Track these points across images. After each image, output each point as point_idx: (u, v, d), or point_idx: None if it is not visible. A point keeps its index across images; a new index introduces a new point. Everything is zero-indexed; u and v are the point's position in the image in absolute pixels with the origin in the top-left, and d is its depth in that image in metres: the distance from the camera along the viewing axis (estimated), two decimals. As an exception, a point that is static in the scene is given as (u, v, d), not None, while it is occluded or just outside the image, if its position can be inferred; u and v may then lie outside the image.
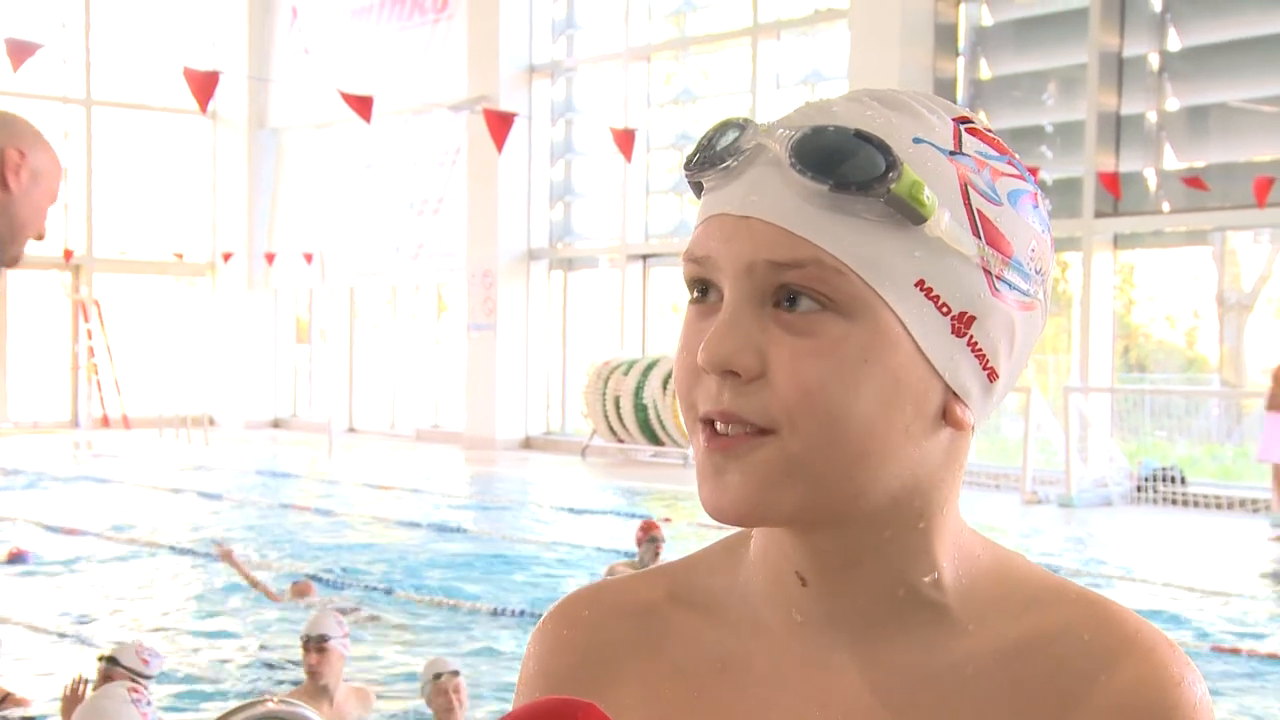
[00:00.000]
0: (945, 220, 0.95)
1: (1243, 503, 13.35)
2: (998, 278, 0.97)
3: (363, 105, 12.56)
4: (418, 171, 21.08)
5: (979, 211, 0.96)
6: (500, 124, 13.41)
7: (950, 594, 1.01)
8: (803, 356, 0.94)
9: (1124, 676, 0.97)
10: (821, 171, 0.93)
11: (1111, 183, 14.16)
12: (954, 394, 0.97)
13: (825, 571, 1.01)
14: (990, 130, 1.01)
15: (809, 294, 0.94)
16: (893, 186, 0.93)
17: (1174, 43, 14.54)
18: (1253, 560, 10.65)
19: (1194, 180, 13.71)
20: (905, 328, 0.95)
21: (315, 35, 22.69)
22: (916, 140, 0.96)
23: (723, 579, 1.08)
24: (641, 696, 1.06)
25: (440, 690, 5.14)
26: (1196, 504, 13.46)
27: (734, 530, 1.07)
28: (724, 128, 1.00)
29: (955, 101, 12.03)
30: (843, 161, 0.93)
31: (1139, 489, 13.85)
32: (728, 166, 0.98)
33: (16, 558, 9.85)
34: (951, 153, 0.97)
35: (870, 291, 0.94)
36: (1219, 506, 13.38)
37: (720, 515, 0.97)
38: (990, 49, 15.68)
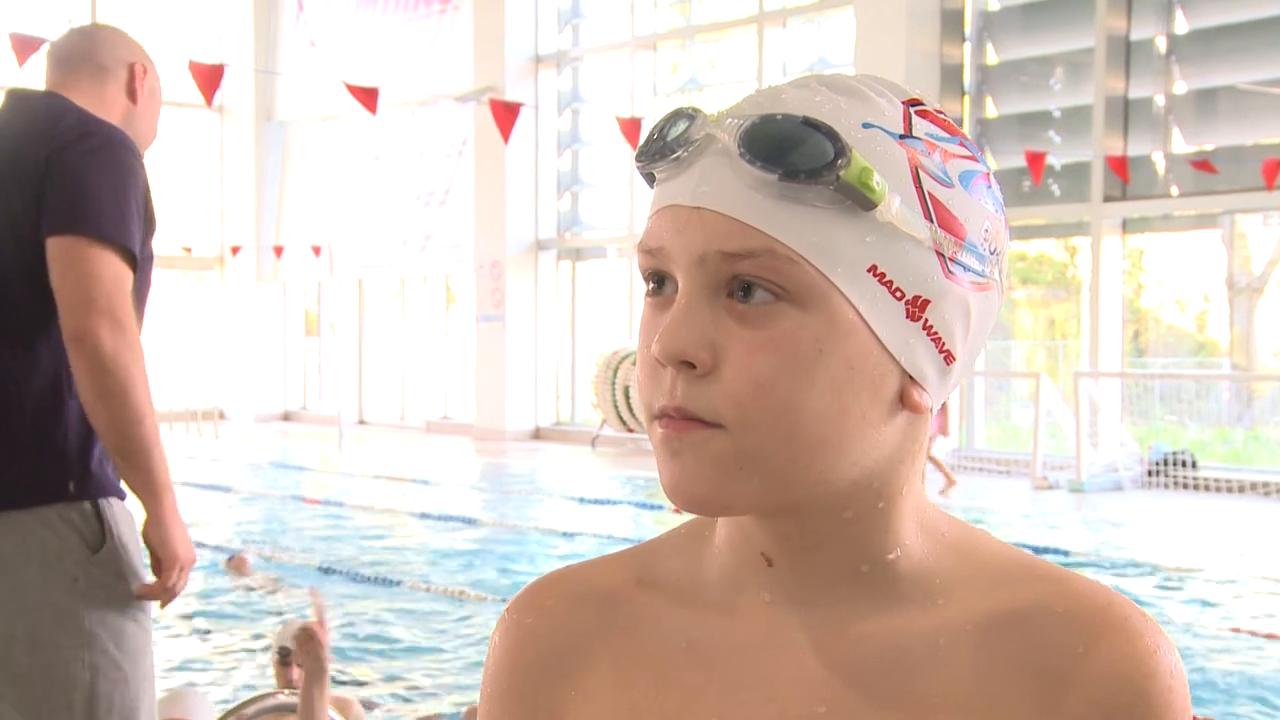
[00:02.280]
0: (896, 205, 0.95)
1: (1254, 486, 13.32)
2: (951, 260, 0.97)
3: (368, 97, 12.55)
4: (424, 163, 21.08)
5: (930, 194, 0.96)
6: (506, 114, 13.40)
7: (917, 570, 1.02)
8: (755, 350, 0.94)
9: (1101, 648, 0.98)
10: (770, 160, 0.93)
11: (1120, 167, 14.12)
12: (910, 378, 0.98)
13: (789, 552, 1.02)
14: (941, 112, 1.01)
15: (762, 284, 0.94)
16: (842, 173, 0.93)
17: (1181, 26, 14.49)
18: (1265, 543, 10.63)
19: (1202, 163, 13.67)
20: (860, 314, 0.95)
21: (321, 27, 22.68)
22: (866, 125, 0.96)
23: (687, 562, 1.08)
24: (610, 680, 1.06)
25: None
26: (1208, 488, 13.43)
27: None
28: (674, 118, 0.99)
29: (963, 87, 12.02)
30: (791, 150, 0.93)
31: (1150, 473, 13.83)
32: (678, 157, 0.97)
33: None
34: (901, 136, 0.97)
35: (823, 279, 0.94)
36: (1230, 490, 13.36)
37: (682, 500, 0.97)
38: (997, 34, 15.63)
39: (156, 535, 2.81)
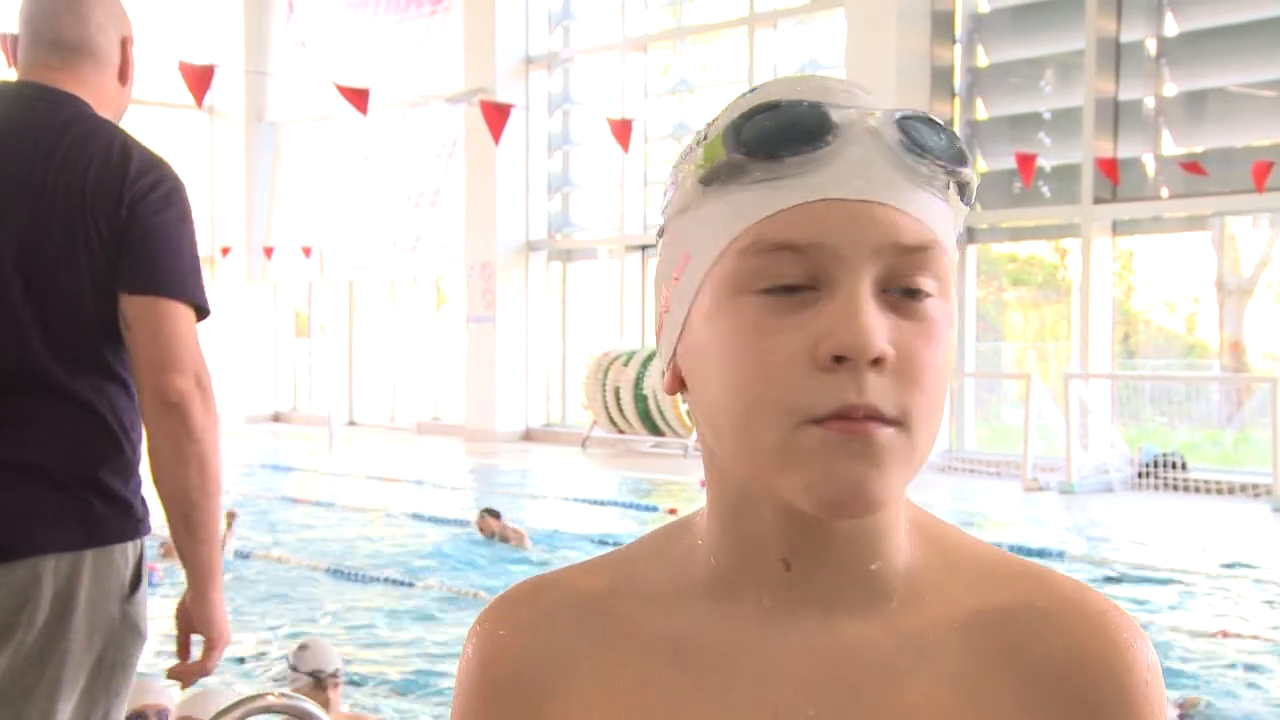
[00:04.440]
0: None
1: (1244, 488, 13.34)
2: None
3: (359, 98, 12.54)
4: (415, 164, 21.06)
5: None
6: (497, 116, 13.40)
7: (908, 568, 1.03)
8: (924, 343, 0.95)
9: (1081, 642, 1.00)
10: (937, 155, 0.95)
11: (1110, 169, 14.14)
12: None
13: (814, 555, 1.01)
14: None
15: (929, 277, 0.95)
16: (973, 171, 0.98)
17: (1171, 28, 14.51)
18: (1255, 545, 10.64)
19: (1192, 165, 13.69)
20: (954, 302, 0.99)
21: (312, 28, 22.66)
22: None
23: (670, 568, 1.07)
24: (592, 692, 1.04)
25: None
26: (1198, 489, 13.44)
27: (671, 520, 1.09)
28: (795, 107, 0.96)
29: (954, 89, 12.12)
30: (948, 145, 0.96)
31: (1140, 475, 13.84)
32: (820, 146, 0.94)
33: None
34: None
35: (949, 270, 0.98)
36: (1220, 492, 13.37)
37: (850, 505, 0.94)
38: (987, 36, 15.65)
39: (205, 614, 2.75)
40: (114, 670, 2.70)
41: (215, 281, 24.32)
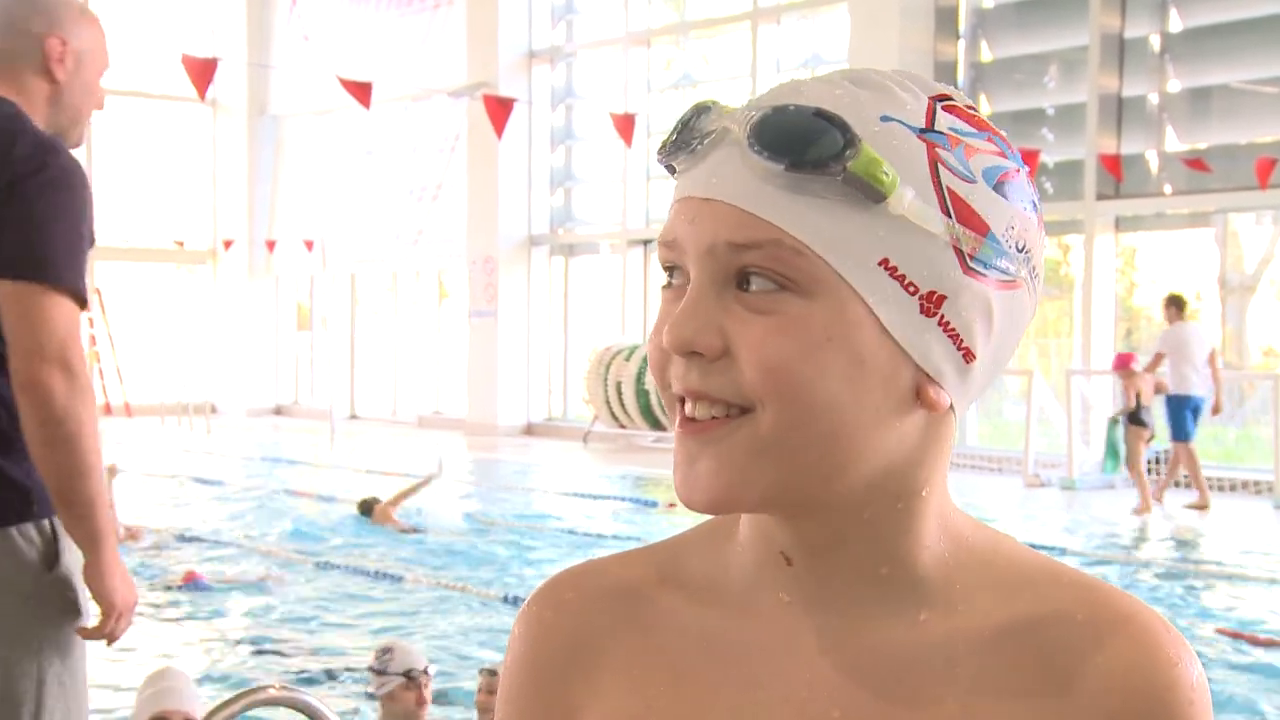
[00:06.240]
0: (909, 198, 0.93)
1: (1245, 484, 13.34)
2: (970, 255, 0.95)
3: (362, 91, 12.55)
4: (418, 158, 21.06)
5: (949, 189, 0.95)
6: (500, 110, 13.40)
7: (937, 573, 1.01)
8: (767, 334, 0.93)
9: (1120, 657, 0.97)
10: (777, 151, 0.93)
11: (1113, 165, 14.13)
12: (926, 375, 0.96)
13: (809, 552, 1.01)
14: (971, 108, 0.99)
15: (766, 275, 0.94)
16: (849, 165, 0.92)
17: (1175, 24, 14.50)
18: (1256, 542, 10.65)
19: (1196, 162, 13.69)
20: (869, 307, 0.94)
21: (315, 21, 22.65)
22: (884, 118, 0.95)
23: (709, 560, 1.08)
24: (625, 679, 1.06)
25: (479, 689, 5.05)
26: (1199, 486, 13.43)
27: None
28: (696, 111, 1.00)
29: (956, 85, 11.92)
30: (799, 140, 0.93)
31: (1141, 472, 13.82)
32: (694, 149, 0.98)
33: (192, 582, 8.73)
34: (922, 130, 0.95)
35: (831, 271, 0.93)
36: (1222, 488, 13.37)
37: (691, 504, 0.98)
38: (991, 31, 15.64)
39: (98, 583, 2.80)
40: (43, 647, 2.74)
41: (218, 275, 24.35)
